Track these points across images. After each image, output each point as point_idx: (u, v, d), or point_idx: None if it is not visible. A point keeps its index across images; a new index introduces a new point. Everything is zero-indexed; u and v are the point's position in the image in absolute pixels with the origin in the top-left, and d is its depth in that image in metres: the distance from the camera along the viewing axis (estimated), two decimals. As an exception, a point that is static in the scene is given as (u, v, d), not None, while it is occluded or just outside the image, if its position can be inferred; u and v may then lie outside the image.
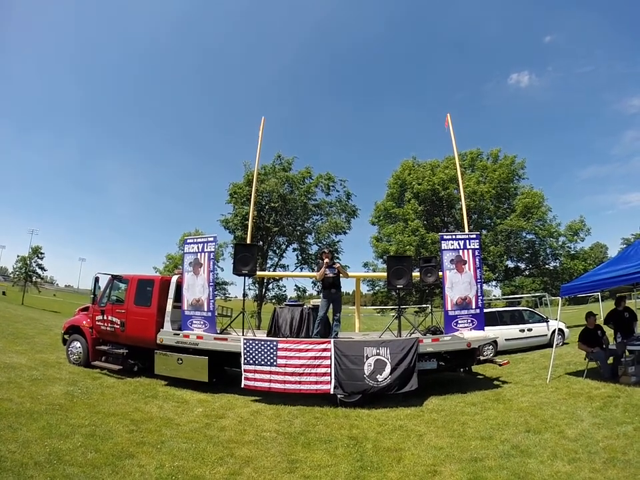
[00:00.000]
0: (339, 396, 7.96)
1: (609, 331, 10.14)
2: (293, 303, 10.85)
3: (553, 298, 23.91)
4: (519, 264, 27.87)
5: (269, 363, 8.24)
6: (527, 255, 26.79)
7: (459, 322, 9.12)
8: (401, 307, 9.94)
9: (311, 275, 10.66)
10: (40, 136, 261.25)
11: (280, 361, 8.19)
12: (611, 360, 9.24)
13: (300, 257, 25.94)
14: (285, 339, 8.68)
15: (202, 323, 9.41)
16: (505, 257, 25.61)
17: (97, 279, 10.76)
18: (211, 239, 9.80)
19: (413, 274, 9.84)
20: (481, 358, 10.45)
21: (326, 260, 9.13)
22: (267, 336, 9.33)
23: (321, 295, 9.56)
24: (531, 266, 27.50)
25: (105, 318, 10.23)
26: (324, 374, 8.04)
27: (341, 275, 9.30)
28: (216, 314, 9.60)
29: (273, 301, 25.42)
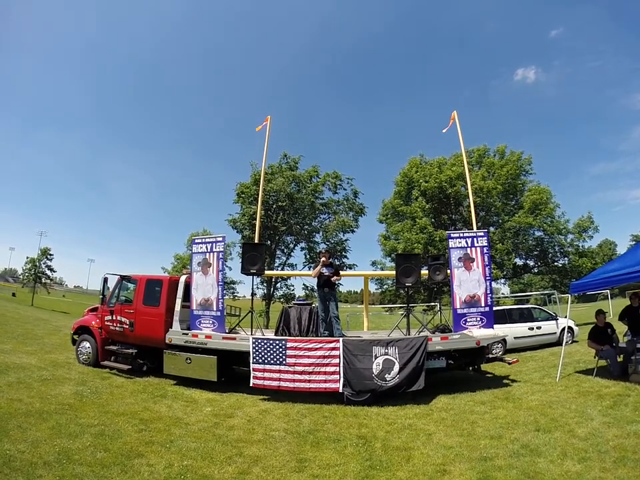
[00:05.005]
0: (346, 394, 7.96)
1: (619, 329, 10.06)
2: (302, 302, 10.86)
3: (562, 295, 23.79)
4: (527, 261, 27.71)
5: (278, 362, 8.26)
6: (535, 253, 26.61)
7: (468, 320, 9.08)
8: (410, 305, 9.90)
9: (311, 274, 10.70)
10: (46, 134, 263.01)
11: (289, 360, 8.21)
12: (621, 358, 9.16)
13: (308, 256, 25.88)
14: (294, 337, 8.70)
15: (211, 322, 9.43)
16: (513, 254, 25.43)
17: (105, 280, 10.81)
18: (220, 238, 9.82)
19: (422, 272, 9.81)
20: (490, 356, 10.41)
21: (322, 259, 9.22)
22: (275, 335, 9.35)
23: (317, 295, 9.61)
24: (539, 263, 27.30)
25: (114, 318, 10.28)
26: (333, 372, 8.06)
27: (334, 276, 9.35)
28: (224, 313, 9.62)
29: (282, 300, 25.43)
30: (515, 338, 14.25)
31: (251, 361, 8.43)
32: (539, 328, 15.00)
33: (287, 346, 8.30)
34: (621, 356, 9.17)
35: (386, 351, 8.10)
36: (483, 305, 9.13)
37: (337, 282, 9.68)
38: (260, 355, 8.40)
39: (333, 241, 25.15)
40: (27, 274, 52.81)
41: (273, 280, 25.22)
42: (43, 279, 52.77)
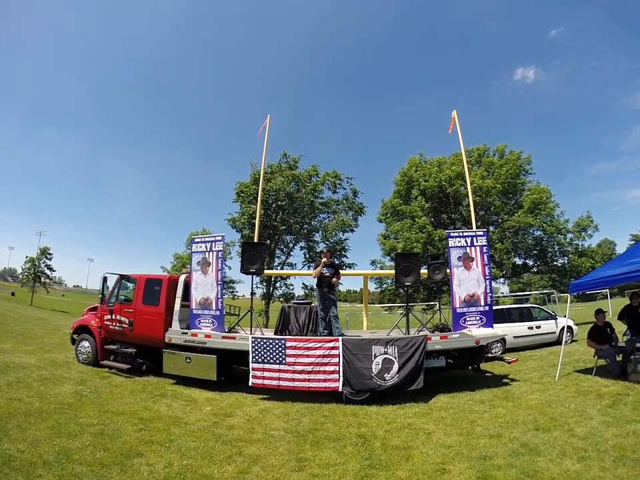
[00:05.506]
0: (345, 393, 7.96)
1: (619, 328, 10.06)
2: (301, 302, 10.87)
3: (562, 295, 23.79)
4: (526, 261, 27.67)
5: (277, 361, 8.27)
6: (534, 252, 26.58)
7: (467, 319, 9.09)
8: (409, 304, 9.91)
9: (310, 273, 10.72)
10: (46, 134, 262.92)
11: (289, 359, 8.22)
12: (620, 357, 9.17)
13: (307, 256, 25.92)
14: (293, 337, 8.70)
15: (210, 321, 9.44)
16: (513, 253, 25.41)
17: (105, 279, 10.82)
18: (219, 238, 9.82)
19: (421, 271, 9.81)
20: (490, 355, 10.41)
21: (324, 259, 9.20)
22: (275, 334, 9.35)
23: (317, 294, 9.62)
24: (539, 263, 27.28)
25: (114, 317, 10.28)
26: (332, 372, 8.06)
27: (334, 277, 9.34)
28: (224, 313, 9.62)
29: (281, 299, 25.44)
30: (514, 337, 14.26)
31: (251, 360, 8.43)
32: (538, 327, 15.02)
33: (287, 345, 8.30)
34: (620, 355, 9.17)
35: (385, 350, 8.11)
36: (482, 304, 9.14)
37: (336, 283, 9.68)
38: (259, 355, 8.40)
39: (332, 240, 25.17)
40: (26, 273, 52.79)
41: (273, 279, 25.23)
42: (42, 278, 52.74)
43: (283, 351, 8.28)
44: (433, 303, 25.10)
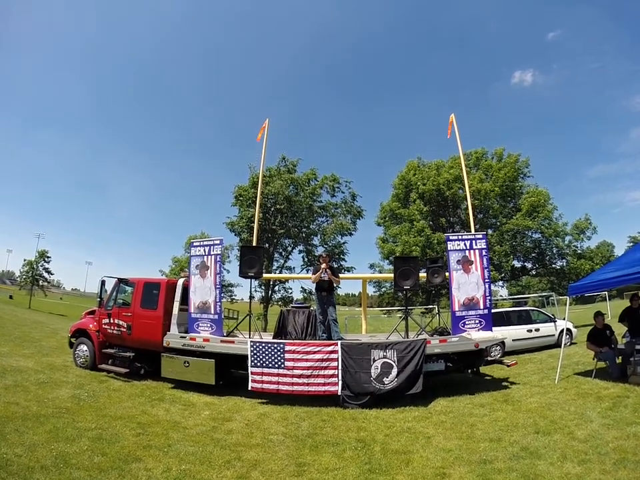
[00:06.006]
0: (344, 397, 7.94)
1: (618, 330, 10.05)
2: (300, 305, 10.86)
3: (560, 297, 23.81)
4: (525, 264, 27.74)
5: (276, 365, 8.23)
6: (533, 255, 26.66)
7: (467, 322, 9.06)
8: (408, 308, 9.88)
9: (309, 277, 10.71)
10: (46, 135, 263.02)
11: (288, 363, 8.18)
12: (619, 360, 9.16)
13: (306, 259, 25.94)
14: (292, 341, 8.68)
15: (209, 325, 9.40)
16: (511, 256, 25.48)
17: (103, 282, 10.79)
18: (217, 241, 9.80)
19: (420, 275, 9.80)
20: (489, 359, 10.39)
21: (323, 265, 9.17)
22: (274, 338, 9.33)
23: (315, 298, 9.62)
24: (537, 265, 27.34)
25: (112, 321, 10.24)
26: (331, 376, 8.03)
27: (333, 277, 9.33)
28: (222, 316, 9.60)
29: (280, 303, 25.44)
30: (513, 340, 14.24)
31: (249, 365, 8.40)
32: (537, 330, 15.00)
33: (285, 349, 8.27)
34: (620, 357, 9.17)
35: (384, 354, 8.08)
36: (481, 307, 9.11)
37: (337, 286, 9.68)
38: (258, 359, 8.37)
39: (331, 244, 25.19)
40: (24, 276, 52.91)
41: (271, 283, 25.23)
42: (40, 282, 52.84)
43: (282, 355, 8.25)
44: (431, 306, 25.09)
